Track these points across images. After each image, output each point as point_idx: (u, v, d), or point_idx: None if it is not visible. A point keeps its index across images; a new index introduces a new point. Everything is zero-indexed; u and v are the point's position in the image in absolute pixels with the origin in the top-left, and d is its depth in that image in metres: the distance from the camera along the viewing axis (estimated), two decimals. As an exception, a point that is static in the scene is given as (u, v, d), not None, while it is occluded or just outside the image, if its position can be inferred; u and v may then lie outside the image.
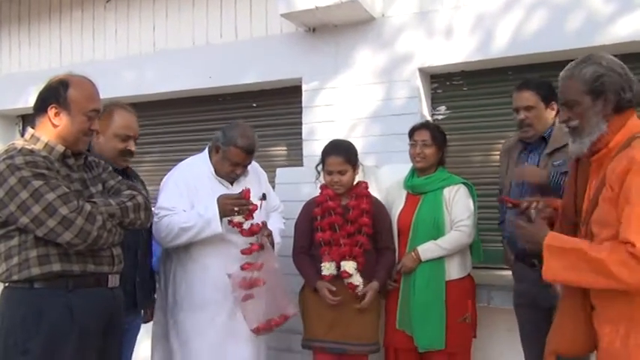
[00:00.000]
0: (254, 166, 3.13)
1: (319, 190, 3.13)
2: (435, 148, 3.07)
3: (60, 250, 2.05)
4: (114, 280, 2.23)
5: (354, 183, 3.10)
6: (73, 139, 2.17)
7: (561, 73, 1.95)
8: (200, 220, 2.75)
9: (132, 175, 2.90)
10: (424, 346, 2.93)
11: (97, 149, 2.69)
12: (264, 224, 2.91)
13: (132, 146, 2.77)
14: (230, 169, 2.91)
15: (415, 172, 3.15)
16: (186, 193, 2.87)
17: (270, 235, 2.93)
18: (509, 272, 3.14)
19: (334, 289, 2.92)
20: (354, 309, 2.95)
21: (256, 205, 2.81)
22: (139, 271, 2.75)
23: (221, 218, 2.75)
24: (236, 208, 2.75)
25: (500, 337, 3.21)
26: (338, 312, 2.94)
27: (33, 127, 2.20)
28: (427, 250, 2.96)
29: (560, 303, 2.01)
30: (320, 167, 3.12)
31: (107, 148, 2.71)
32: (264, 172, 3.24)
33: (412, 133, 3.14)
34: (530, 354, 2.81)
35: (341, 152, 3.02)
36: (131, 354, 2.92)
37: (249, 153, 2.88)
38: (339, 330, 2.96)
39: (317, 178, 3.16)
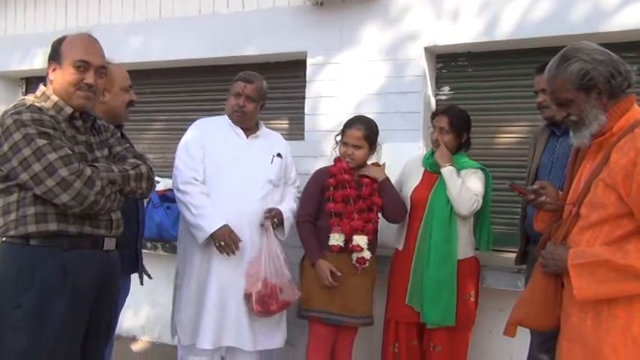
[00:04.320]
0: (276, 137, 3.37)
1: (333, 162, 3.18)
2: (452, 135, 3.08)
3: (58, 209, 2.06)
4: (110, 244, 2.25)
5: (369, 163, 3.16)
6: (65, 93, 2.15)
7: (545, 75, 1.93)
8: (198, 224, 2.97)
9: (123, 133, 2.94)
10: (434, 322, 2.96)
11: (101, 109, 2.68)
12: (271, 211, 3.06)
13: (134, 96, 2.82)
14: (234, 102, 3.13)
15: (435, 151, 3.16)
16: (199, 141, 3.12)
17: (276, 216, 3.06)
18: (502, 254, 3.17)
19: (339, 274, 2.97)
20: (353, 282, 3.02)
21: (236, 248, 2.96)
22: (139, 236, 2.81)
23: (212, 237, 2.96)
24: (222, 243, 2.94)
25: (492, 315, 3.25)
26: (337, 285, 3.00)
27: (45, 85, 2.21)
28: (455, 173, 2.98)
29: (532, 276, 2.04)
30: (339, 138, 3.15)
31: (117, 104, 2.74)
32: (288, 148, 3.36)
33: (433, 117, 3.18)
34: (537, 336, 2.76)
35: (361, 127, 3.07)
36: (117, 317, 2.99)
37: (245, 81, 3.13)
38: (338, 302, 3.02)
39: (334, 148, 3.21)
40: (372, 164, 3.19)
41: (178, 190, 3.05)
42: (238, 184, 3.05)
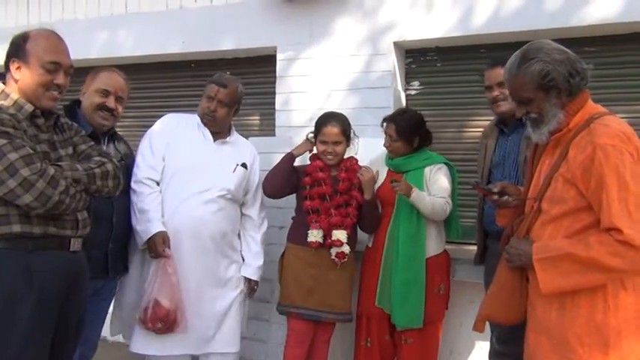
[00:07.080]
0: (246, 145, 3.20)
1: (309, 160, 3.18)
2: (401, 142, 3.08)
3: (20, 210, 2.01)
4: (77, 244, 2.21)
5: (344, 157, 3.15)
6: (33, 94, 2.11)
7: (505, 75, 1.97)
8: (136, 229, 2.82)
9: (118, 138, 2.92)
10: (403, 325, 2.98)
11: (82, 109, 2.74)
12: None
13: (111, 103, 2.75)
14: (206, 105, 3.00)
15: None
16: (165, 134, 2.99)
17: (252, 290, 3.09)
18: (472, 247, 3.21)
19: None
20: (331, 278, 3.03)
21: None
22: (112, 238, 2.72)
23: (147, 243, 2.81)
24: (152, 254, 2.81)
25: (463, 308, 3.29)
26: (316, 280, 3.02)
27: (4, 83, 2.16)
28: (421, 195, 2.94)
29: (497, 272, 2.08)
30: (311, 135, 3.15)
31: (86, 105, 2.74)
32: (257, 156, 3.23)
33: (382, 123, 3.16)
34: (497, 329, 2.80)
35: (338, 123, 3.07)
36: (104, 317, 2.93)
37: (219, 85, 3.00)
38: (317, 298, 3.02)
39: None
40: (369, 176, 3.04)
41: (132, 185, 2.88)
42: (195, 188, 2.89)
